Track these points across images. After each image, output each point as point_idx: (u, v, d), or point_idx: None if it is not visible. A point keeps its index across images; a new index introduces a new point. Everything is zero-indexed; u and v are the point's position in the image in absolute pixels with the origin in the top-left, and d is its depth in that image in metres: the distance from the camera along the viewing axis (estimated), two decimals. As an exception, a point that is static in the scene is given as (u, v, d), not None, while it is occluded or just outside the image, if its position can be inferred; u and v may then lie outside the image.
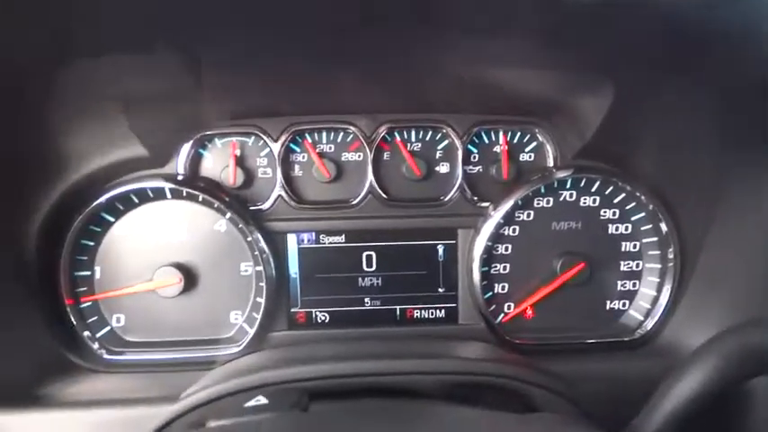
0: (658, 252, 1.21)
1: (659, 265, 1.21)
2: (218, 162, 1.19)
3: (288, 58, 1.00)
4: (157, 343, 1.18)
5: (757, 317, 0.86)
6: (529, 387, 0.95)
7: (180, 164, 1.17)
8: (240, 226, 1.16)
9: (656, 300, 1.20)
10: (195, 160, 1.18)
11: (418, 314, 1.23)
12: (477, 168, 1.22)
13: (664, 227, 1.18)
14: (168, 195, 1.17)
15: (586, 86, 1.02)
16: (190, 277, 1.17)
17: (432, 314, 1.23)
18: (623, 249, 1.23)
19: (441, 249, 1.22)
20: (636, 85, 0.98)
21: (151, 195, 1.16)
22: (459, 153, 1.20)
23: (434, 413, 0.86)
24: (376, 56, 1.00)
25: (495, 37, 0.88)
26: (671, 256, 1.18)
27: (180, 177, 1.16)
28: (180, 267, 1.15)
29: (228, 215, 1.16)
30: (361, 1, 0.80)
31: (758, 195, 1.04)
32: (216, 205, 1.15)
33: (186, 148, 1.17)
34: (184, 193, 1.16)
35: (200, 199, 1.16)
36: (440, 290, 1.23)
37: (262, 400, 0.61)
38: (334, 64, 1.03)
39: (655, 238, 1.21)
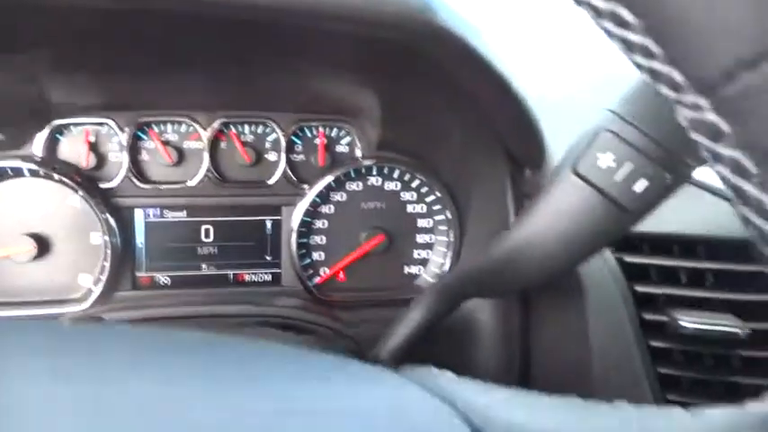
0: (446, 228, 1.51)
1: (446, 239, 1.51)
2: (73, 147, 1.38)
3: (135, 68, 1.23)
4: (9, 303, 1.35)
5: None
6: (313, 326, 1.22)
7: (36, 148, 1.35)
8: (91, 202, 1.36)
9: (442, 266, 1.50)
10: (52, 144, 1.37)
11: (248, 278, 1.47)
12: (299, 157, 1.48)
13: (448, 209, 1.48)
14: (26, 174, 1.35)
15: (362, 96, 1.31)
16: (43, 245, 1.35)
17: (260, 278, 1.47)
18: (419, 225, 1.52)
19: (268, 224, 1.47)
20: (387, 90, 1.27)
21: (10, 173, 1.34)
22: (283, 144, 1.45)
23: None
24: (216, 71, 1.25)
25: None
26: (452, 232, 1.49)
27: (37, 158, 1.35)
28: (34, 236, 1.34)
29: (81, 192, 1.36)
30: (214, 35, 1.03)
31: (497, 188, 1.32)
32: (70, 184, 1.35)
33: (42, 135, 1.35)
34: (41, 173, 1.34)
35: (56, 178, 1.35)
36: (267, 257, 1.47)
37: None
38: (179, 73, 1.27)
39: (443, 217, 1.51)
